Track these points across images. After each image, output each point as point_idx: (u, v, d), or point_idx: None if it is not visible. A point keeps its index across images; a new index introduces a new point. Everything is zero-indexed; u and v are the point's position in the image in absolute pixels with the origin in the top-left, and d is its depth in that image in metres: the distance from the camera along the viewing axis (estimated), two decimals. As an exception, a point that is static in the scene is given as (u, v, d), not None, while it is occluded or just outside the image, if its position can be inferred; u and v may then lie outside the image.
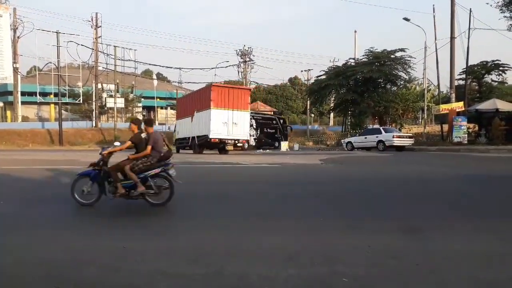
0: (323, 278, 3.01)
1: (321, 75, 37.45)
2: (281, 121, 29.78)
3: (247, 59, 45.14)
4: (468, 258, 3.63)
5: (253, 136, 26.28)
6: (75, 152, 23.59)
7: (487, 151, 20.06)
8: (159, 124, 44.71)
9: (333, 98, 39.95)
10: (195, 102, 21.88)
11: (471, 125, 27.46)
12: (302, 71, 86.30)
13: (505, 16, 26.96)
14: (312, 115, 52.95)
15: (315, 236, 4.38)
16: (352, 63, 35.15)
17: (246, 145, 20.69)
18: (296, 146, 29.73)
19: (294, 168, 12.82)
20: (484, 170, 11.61)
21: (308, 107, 51.60)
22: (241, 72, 45.63)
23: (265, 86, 66.20)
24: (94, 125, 39.33)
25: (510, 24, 27.15)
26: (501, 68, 32.55)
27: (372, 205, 6.37)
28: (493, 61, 32.38)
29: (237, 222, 5.04)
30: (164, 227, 4.91)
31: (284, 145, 28.64)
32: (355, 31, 51.92)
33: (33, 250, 3.80)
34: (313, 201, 6.76)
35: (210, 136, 19.10)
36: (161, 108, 54.44)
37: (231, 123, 19.23)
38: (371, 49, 33.69)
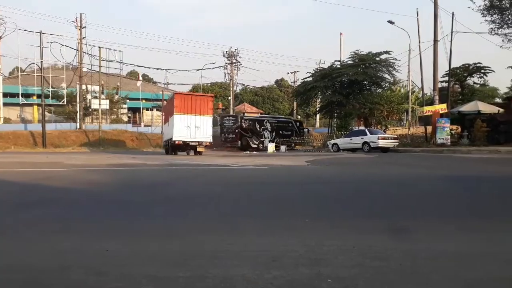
0: (307, 279, 3.02)
1: (307, 77, 37.74)
2: (297, 123, 32.95)
3: (234, 61, 45.14)
4: (452, 258, 3.69)
5: (268, 138, 29.99)
6: (59, 154, 23.21)
7: (469, 152, 20.46)
8: (145, 125, 44.38)
9: (319, 100, 40.25)
10: (170, 108, 23.93)
11: (454, 127, 28.01)
12: (288, 73, 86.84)
13: (486, 20, 27.61)
14: (299, 116, 53.13)
15: (300, 237, 4.39)
16: (338, 65, 35.49)
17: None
18: (283, 148, 29.82)
19: (280, 169, 12.86)
20: (467, 171, 11.83)
21: (295, 108, 51.86)
22: (228, 73, 45.59)
23: (252, 87, 66.29)
24: (78, 127, 38.77)
25: (491, 28, 27.83)
26: (482, 71, 33.30)
27: (357, 206, 6.43)
28: (474, 64, 33.11)
29: (224, 223, 5.03)
30: (152, 229, 4.86)
31: (271, 147, 28.73)
32: (341, 34, 52.51)
33: (20, 255, 3.72)
34: (298, 202, 6.78)
35: (174, 139, 21.50)
36: (147, 109, 54.01)
37: (193, 127, 21.33)
38: (357, 52, 34.07)
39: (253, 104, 66.92)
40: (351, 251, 3.81)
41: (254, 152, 26.68)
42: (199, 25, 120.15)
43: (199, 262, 3.40)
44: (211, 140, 22.34)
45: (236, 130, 30.52)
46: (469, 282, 3.08)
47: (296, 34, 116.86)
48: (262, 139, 30.54)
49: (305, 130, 32.99)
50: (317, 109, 43.76)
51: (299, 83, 42.26)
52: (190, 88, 62.77)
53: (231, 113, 45.89)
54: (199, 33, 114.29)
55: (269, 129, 30.79)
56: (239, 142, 29.83)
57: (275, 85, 71.02)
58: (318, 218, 5.49)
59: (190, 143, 21.68)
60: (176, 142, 21.54)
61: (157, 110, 48.76)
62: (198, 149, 21.86)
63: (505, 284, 3.06)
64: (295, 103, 47.86)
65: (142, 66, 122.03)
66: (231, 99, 47.19)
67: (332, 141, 26.85)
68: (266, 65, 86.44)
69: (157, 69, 73.93)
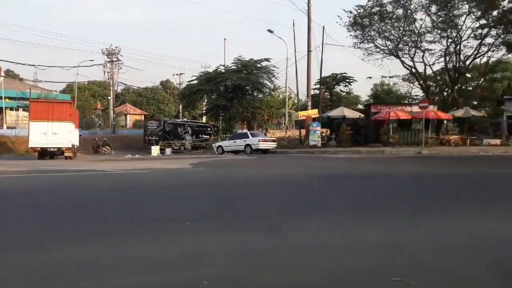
0: (184, 283, 3.19)
1: (193, 80, 37.78)
2: (215, 128, 36.15)
3: (114, 59, 42.66)
4: (321, 250, 4.26)
5: (189, 141, 33.01)
6: None
7: (336, 152, 23.03)
8: (8, 127, 39.01)
9: (205, 103, 40.69)
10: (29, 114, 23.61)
11: (324, 130, 31.18)
12: (174, 74, 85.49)
13: (351, 35, 31.49)
14: (185, 119, 52.80)
15: (177, 241, 4.54)
16: (222, 70, 36.37)
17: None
18: (168, 151, 29.35)
19: (163, 173, 12.77)
20: (335, 170, 13.39)
21: (181, 111, 51.38)
22: (108, 72, 42.89)
23: (135, 88, 63.45)
24: None
25: (355, 42, 31.84)
26: (347, 80, 37.79)
27: (236, 206, 6.83)
28: (341, 73, 37.38)
29: (92, 230, 4.87)
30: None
31: (155, 150, 28.05)
32: (225, 39, 53.72)
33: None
34: (178, 204, 6.91)
35: (30, 145, 21.98)
36: (11, 109, 47.43)
37: (51, 133, 21.47)
38: (240, 58, 35.40)
39: (137, 105, 64.14)
40: (230, 251, 4.12)
41: (137, 155, 25.90)
42: (76, 19, 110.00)
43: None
44: (70, 146, 22.09)
45: (160, 133, 32.32)
46: (334, 270, 3.64)
47: (182, 36, 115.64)
48: (184, 142, 32.89)
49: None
50: (203, 112, 44.18)
51: (185, 86, 42.06)
52: (64, 87, 57.27)
53: (111, 113, 43.54)
54: (81, 29, 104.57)
55: (190, 133, 33.59)
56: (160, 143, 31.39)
57: (160, 86, 69.21)
58: (199, 220, 5.70)
59: (49, 149, 21.85)
60: (34, 148, 21.89)
61: (23, 110, 43.27)
62: (66, 154, 21.93)
63: (359, 271, 3.69)
64: (181, 105, 47.41)
65: (4, 61, 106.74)
66: (111, 99, 44.41)
67: (217, 144, 27.48)
68: (151, 66, 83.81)
69: (23, 64, 65.02)
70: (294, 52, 32.03)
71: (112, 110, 44.44)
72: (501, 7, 26.22)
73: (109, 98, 47.35)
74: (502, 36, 27.89)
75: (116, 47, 43.10)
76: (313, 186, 9.71)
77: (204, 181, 10.85)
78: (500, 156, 19.94)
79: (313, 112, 28.76)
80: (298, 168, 14.24)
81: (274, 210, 6.59)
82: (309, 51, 29.84)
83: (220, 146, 26.54)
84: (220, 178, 11.65)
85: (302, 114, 29.31)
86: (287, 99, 36.21)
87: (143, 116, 58.32)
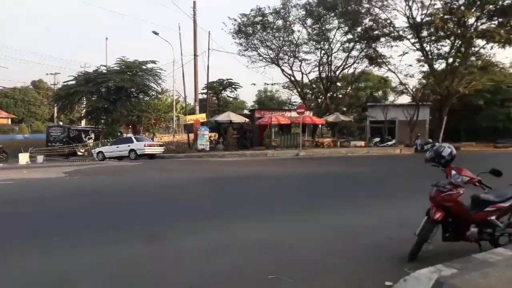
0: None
1: (69, 80, 34.69)
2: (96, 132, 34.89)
3: (-30, 54, 36.82)
4: (196, 254, 4.39)
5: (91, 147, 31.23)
6: None
7: (224, 156, 23.60)
8: None
9: (84, 105, 37.72)
10: None
11: (213, 134, 31.66)
12: (47, 74, 77.23)
13: (236, 42, 32.60)
14: (61, 122, 48.12)
15: (49, 256, 4.27)
16: (104, 71, 34.22)
17: None
18: (40, 158, 26.41)
19: (30, 184, 11.54)
20: (222, 174, 13.72)
21: (56, 114, 46.76)
22: (-38, 68, 36.75)
23: (0, 88, 55.64)
24: None
25: (239, 50, 33.05)
26: (233, 86, 39.01)
27: (113, 216, 6.60)
28: (227, 79, 38.42)
29: None
30: None
31: (24, 158, 25.09)
32: (106, 38, 50.82)
33: None
34: (48, 218, 6.40)
35: None
36: None
37: None
38: (123, 58, 33.76)
39: (2, 107, 56.24)
40: (104, 265, 4.01)
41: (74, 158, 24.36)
42: None
43: None
44: None
45: (64, 140, 32.06)
46: (210, 274, 3.80)
47: (58, 32, 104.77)
48: (87, 147, 31.97)
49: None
50: (82, 115, 40.88)
51: (61, 86, 38.35)
52: None
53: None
54: None
55: (93, 138, 33.32)
56: (66, 150, 30.57)
57: (31, 87, 61.85)
58: (73, 233, 5.39)
59: None
60: None
61: None
62: None
63: (236, 271, 3.92)
64: (56, 107, 43.10)
65: None
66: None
67: (97, 149, 25.71)
68: (20, 64, 73.85)
69: None
70: (180, 55, 31.89)
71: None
72: (363, 24, 30.02)
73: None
74: (365, 50, 31.90)
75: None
76: (197, 189, 9.86)
77: (82, 190, 10.16)
78: (363, 156, 22.85)
79: (201, 116, 29.00)
80: (185, 172, 14.26)
81: (153, 217, 6.55)
82: (195, 55, 30.02)
83: (100, 151, 24.92)
84: (99, 187, 11.02)
85: (190, 118, 29.32)
86: (174, 103, 35.76)
87: (9, 120, 51.57)
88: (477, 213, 4.33)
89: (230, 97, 40.87)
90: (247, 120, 30.50)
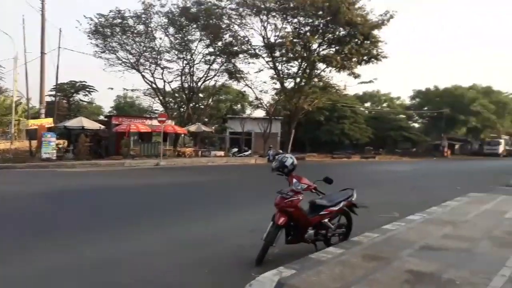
0: None
1: None
2: None
3: None
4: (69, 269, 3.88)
5: None
6: None
7: (74, 166, 21.47)
8: None
9: None
10: None
11: (62, 141, 28.52)
12: None
13: (92, 43, 30.26)
14: None
15: None
16: None
17: None
18: None
19: None
20: (69, 186, 12.43)
21: None
22: None
23: None
24: None
25: (96, 51, 30.75)
26: (88, 89, 36.02)
27: None
28: (81, 81, 35.32)
29: None
30: None
31: None
32: None
33: None
34: None
35: None
36: None
37: None
38: None
39: None
40: None
41: None
42: None
43: None
44: None
45: None
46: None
47: None
48: None
49: None
50: None
51: None
52: None
53: None
54: None
55: None
56: None
57: None
58: None
59: None
60: None
61: None
62: None
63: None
64: None
65: None
66: None
67: None
68: None
69: None
70: (24, 52, 28.00)
71: None
72: (224, 39, 31.34)
73: None
74: (225, 64, 33.28)
75: None
76: (40, 204, 8.76)
77: None
78: (222, 165, 23.70)
79: (47, 121, 25.86)
80: (14, 184, 12.54)
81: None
82: (43, 53, 26.73)
83: None
84: None
85: (33, 123, 25.83)
86: (13, 105, 31.00)
87: None
88: (314, 216, 4.98)
89: (84, 101, 37.60)
90: (103, 127, 28.45)
